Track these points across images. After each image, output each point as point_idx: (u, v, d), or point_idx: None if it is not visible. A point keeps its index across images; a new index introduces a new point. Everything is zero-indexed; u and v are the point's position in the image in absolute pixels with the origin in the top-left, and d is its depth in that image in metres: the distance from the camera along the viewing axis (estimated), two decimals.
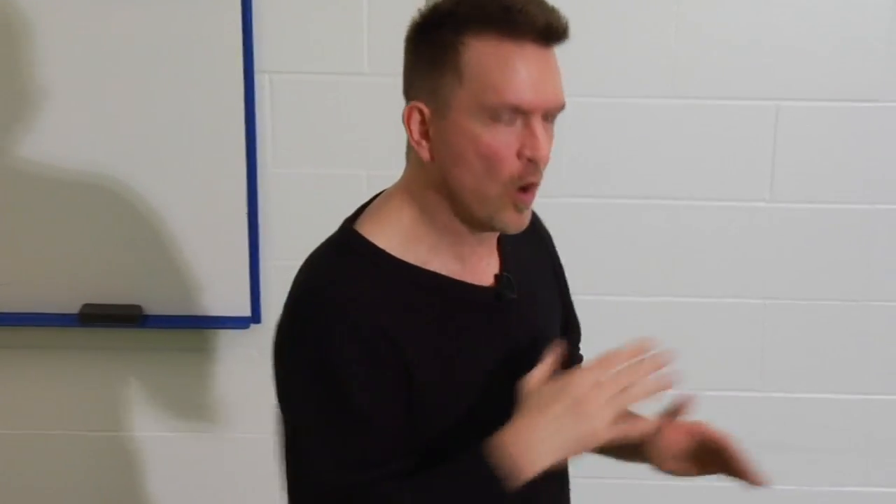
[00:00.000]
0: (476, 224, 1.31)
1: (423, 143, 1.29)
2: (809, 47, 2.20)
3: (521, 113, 1.24)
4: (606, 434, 1.23)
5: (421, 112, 1.28)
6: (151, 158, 2.23)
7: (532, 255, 1.49)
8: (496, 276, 1.38)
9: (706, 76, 2.23)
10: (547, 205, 2.25)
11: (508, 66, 1.23)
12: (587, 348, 2.26)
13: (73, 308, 2.29)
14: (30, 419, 2.46)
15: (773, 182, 2.26)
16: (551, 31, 1.24)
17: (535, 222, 1.53)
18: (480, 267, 1.37)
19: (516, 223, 1.30)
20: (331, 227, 2.25)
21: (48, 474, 2.49)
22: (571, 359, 1.60)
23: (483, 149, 1.25)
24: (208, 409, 2.45)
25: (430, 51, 1.28)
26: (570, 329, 1.63)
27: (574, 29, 1.25)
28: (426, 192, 1.32)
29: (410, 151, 1.33)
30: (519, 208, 1.28)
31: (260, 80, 2.23)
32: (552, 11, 1.25)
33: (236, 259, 2.27)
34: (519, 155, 1.25)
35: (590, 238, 2.30)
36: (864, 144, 2.26)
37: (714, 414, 2.34)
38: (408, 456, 1.29)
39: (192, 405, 2.45)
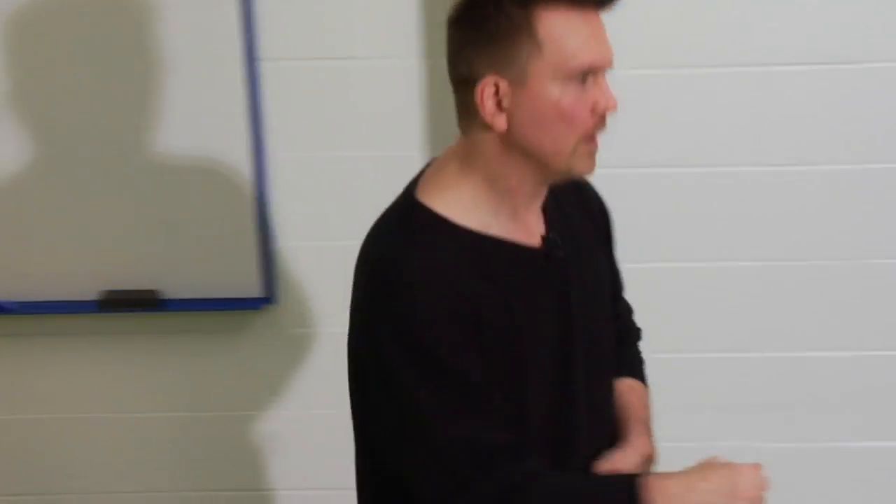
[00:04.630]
0: (551, 176, 1.43)
1: (500, 115, 1.37)
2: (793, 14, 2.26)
3: (591, 72, 1.36)
4: None
5: (496, 86, 1.36)
6: (161, 150, 2.30)
7: (579, 222, 1.59)
8: (542, 238, 1.48)
9: (691, 44, 2.29)
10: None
11: (581, 32, 1.35)
12: None
13: (92, 295, 2.37)
14: (54, 404, 2.55)
15: (760, 146, 2.33)
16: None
17: (586, 190, 1.65)
18: (531, 228, 1.47)
19: (590, 167, 1.43)
20: (341, 207, 2.37)
21: (73, 456, 2.59)
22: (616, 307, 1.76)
23: (563, 110, 1.35)
24: (227, 388, 2.54)
25: (499, 27, 1.35)
26: (617, 286, 1.78)
27: None
28: (492, 159, 1.41)
29: (471, 124, 1.42)
30: (591, 155, 1.42)
31: (261, 67, 2.29)
32: None
33: (247, 241, 2.35)
34: (592, 110, 1.37)
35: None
36: (848, 106, 2.31)
37: (717, 374, 2.44)
38: (506, 421, 1.40)
39: (212, 385, 2.54)
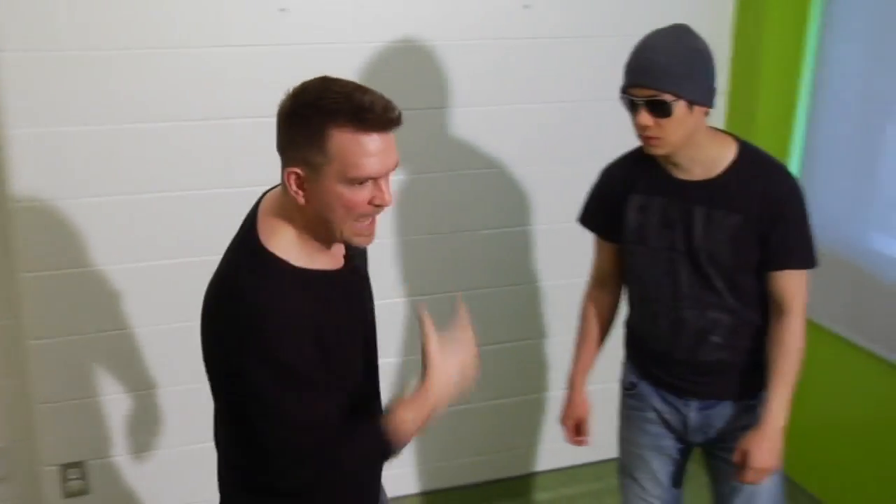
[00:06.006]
0: (337, 240, 1.77)
1: (300, 193, 1.67)
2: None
3: (373, 178, 1.65)
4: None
5: (297, 174, 1.65)
6: None
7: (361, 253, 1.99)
8: (345, 258, 1.86)
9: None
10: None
11: (363, 151, 1.60)
12: None
13: None
14: None
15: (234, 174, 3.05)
16: (391, 123, 1.62)
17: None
18: (338, 256, 1.84)
19: (366, 240, 1.77)
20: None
21: None
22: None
23: (345, 202, 1.66)
24: None
25: (302, 132, 1.62)
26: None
27: None
28: (306, 218, 1.72)
29: (287, 192, 1.70)
30: (366, 231, 1.73)
31: None
32: (391, 108, 1.61)
33: None
34: (370, 203, 1.68)
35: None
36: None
37: None
38: (333, 397, 1.76)
39: None
